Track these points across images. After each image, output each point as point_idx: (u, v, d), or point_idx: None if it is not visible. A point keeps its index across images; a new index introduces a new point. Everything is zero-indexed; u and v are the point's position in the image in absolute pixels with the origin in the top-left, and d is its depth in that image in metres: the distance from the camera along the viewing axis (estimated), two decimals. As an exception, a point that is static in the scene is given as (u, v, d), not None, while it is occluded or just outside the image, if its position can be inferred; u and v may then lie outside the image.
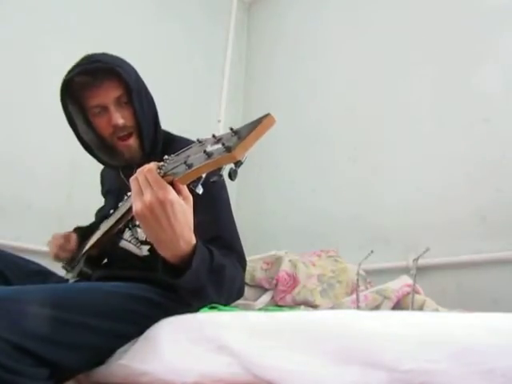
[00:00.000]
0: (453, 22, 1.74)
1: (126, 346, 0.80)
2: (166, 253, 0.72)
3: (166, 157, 0.69)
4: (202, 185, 0.67)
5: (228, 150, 0.57)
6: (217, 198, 1.01)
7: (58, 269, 1.21)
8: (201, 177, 0.66)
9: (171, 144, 1.09)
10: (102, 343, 0.78)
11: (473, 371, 0.43)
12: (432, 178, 1.67)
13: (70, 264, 1.19)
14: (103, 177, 1.34)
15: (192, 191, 0.68)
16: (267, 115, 0.59)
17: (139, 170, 0.69)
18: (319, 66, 2.22)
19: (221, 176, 0.64)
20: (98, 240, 1.00)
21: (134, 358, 0.74)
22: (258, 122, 0.58)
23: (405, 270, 1.57)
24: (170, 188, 0.67)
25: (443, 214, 1.60)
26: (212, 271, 0.78)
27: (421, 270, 1.60)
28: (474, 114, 1.60)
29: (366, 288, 1.40)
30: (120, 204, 0.92)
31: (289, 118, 2.28)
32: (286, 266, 1.39)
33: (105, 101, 1.03)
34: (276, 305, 1.34)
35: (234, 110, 2.50)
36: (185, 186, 0.70)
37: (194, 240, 0.73)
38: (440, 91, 1.72)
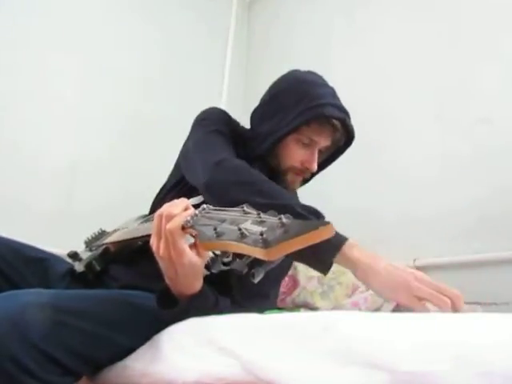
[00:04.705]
0: (454, 20, 1.74)
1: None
2: (167, 282, 0.74)
3: (204, 206, 0.64)
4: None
5: (265, 244, 0.48)
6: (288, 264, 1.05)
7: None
8: (225, 252, 0.58)
9: None
10: (122, 358, 0.77)
11: (473, 372, 0.43)
12: (432, 178, 1.66)
13: (93, 242, 1.17)
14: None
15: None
16: (327, 223, 0.50)
17: (166, 214, 0.67)
18: (319, 66, 2.21)
19: (244, 267, 0.55)
20: (124, 241, 0.98)
21: (136, 359, 0.74)
22: (313, 226, 0.49)
23: (405, 271, 1.57)
24: (186, 253, 0.66)
25: (443, 213, 1.60)
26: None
27: (421, 270, 1.59)
28: (475, 113, 1.60)
29: (367, 289, 1.40)
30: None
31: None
32: (286, 267, 1.39)
33: (319, 142, 1.06)
34: (276, 307, 1.34)
35: (234, 111, 2.49)
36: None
37: (196, 289, 0.73)
38: (440, 90, 1.72)
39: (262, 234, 0.49)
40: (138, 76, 2.14)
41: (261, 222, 0.53)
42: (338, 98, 1.12)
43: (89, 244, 1.18)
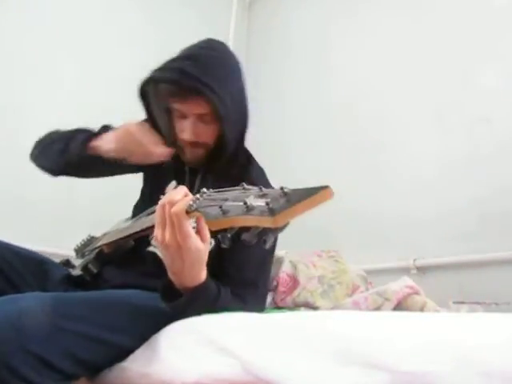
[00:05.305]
0: (455, 19, 1.74)
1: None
2: (171, 277, 0.74)
3: (204, 190, 0.65)
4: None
5: (271, 212, 0.51)
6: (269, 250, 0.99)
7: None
8: (233, 228, 0.59)
9: (248, 168, 1.07)
10: (123, 359, 0.77)
11: (473, 372, 0.43)
12: (432, 178, 1.66)
13: (83, 249, 1.17)
14: None
15: (218, 241, 0.63)
16: (326, 187, 0.52)
17: (168, 201, 0.67)
18: (320, 65, 2.22)
19: (254, 237, 0.57)
20: (118, 240, 0.97)
21: (136, 360, 0.74)
22: (314, 191, 0.52)
23: (405, 270, 1.57)
24: (191, 236, 0.66)
25: (443, 213, 1.60)
26: (209, 308, 0.78)
27: (421, 270, 1.60)
28: (476, 113, 1.60)
29: (367, 289, 1.40)
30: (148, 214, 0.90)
31: (289, 118, 2.28)
32: (286, 267, 1.39)
33: (187, 112, 0.98)
34: (276, 306, 1.34)
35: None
36: (206, 228, 0.68)
37: (201, 279, 0.74)
38: (441, 89, 1.72)
39: (267, 204, 0.52)
40: (138, 76, 2.14)
41: (263, 195, 0.56)
42: (182, 60, 1.00)
43: (79, 251, 1.18)
